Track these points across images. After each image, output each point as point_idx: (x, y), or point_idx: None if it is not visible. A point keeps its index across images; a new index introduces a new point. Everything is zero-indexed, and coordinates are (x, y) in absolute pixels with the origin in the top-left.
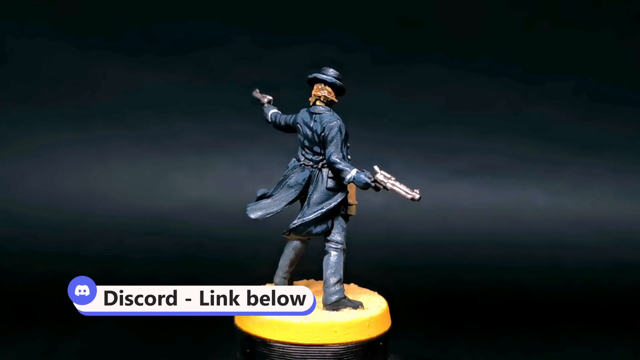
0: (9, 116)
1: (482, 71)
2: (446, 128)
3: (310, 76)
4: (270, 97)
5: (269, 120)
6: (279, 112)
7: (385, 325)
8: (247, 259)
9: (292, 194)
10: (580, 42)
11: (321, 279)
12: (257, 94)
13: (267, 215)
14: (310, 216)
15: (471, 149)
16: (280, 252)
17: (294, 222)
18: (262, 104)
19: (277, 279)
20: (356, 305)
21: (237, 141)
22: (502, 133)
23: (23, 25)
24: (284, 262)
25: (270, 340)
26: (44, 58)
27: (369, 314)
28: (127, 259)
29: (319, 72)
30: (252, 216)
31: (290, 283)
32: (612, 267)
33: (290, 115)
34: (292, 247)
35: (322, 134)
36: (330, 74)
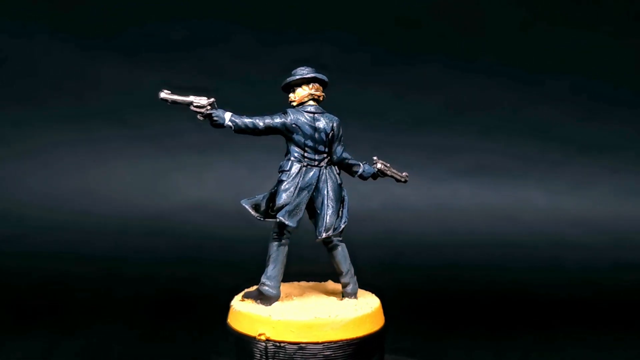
0: (9, 116)
1: (482, 71)
2: (446, 128)
3: (307, 76)
4: (213, 99)
5: (229, 124)
6: (234, 113)
7: None
8: (246, 258)
9: (306, 195)
10: (580, 42)
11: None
12: (169, 94)
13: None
14: (345, 211)
15: (471, 149)
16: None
17: (341, 221)
18: (202, 107)
19: (274, 290)
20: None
21: (237, 141)
22: (501, 133)
23: (23, 25)
24: (279, 271)
25: (340, 341)
26: (43, 58)
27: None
28: (126, 259)
29: (315, 73)
30: (294, 224)
31: None
32: (612, 267)
33: (271, 117)
34: (285, 254)
35: (332, 132)
36: (310, 71)
